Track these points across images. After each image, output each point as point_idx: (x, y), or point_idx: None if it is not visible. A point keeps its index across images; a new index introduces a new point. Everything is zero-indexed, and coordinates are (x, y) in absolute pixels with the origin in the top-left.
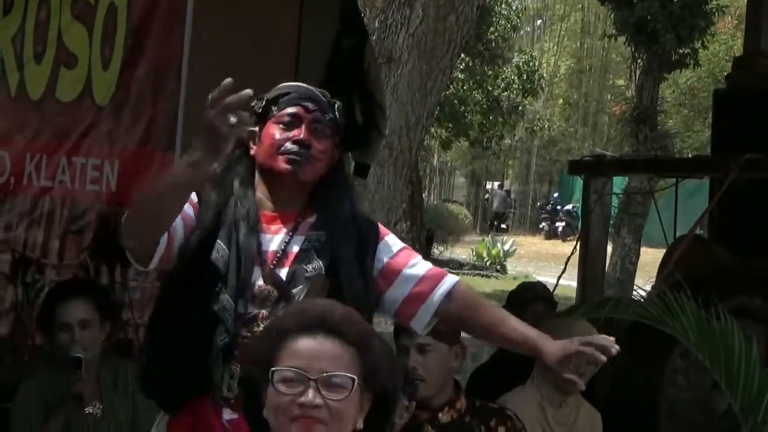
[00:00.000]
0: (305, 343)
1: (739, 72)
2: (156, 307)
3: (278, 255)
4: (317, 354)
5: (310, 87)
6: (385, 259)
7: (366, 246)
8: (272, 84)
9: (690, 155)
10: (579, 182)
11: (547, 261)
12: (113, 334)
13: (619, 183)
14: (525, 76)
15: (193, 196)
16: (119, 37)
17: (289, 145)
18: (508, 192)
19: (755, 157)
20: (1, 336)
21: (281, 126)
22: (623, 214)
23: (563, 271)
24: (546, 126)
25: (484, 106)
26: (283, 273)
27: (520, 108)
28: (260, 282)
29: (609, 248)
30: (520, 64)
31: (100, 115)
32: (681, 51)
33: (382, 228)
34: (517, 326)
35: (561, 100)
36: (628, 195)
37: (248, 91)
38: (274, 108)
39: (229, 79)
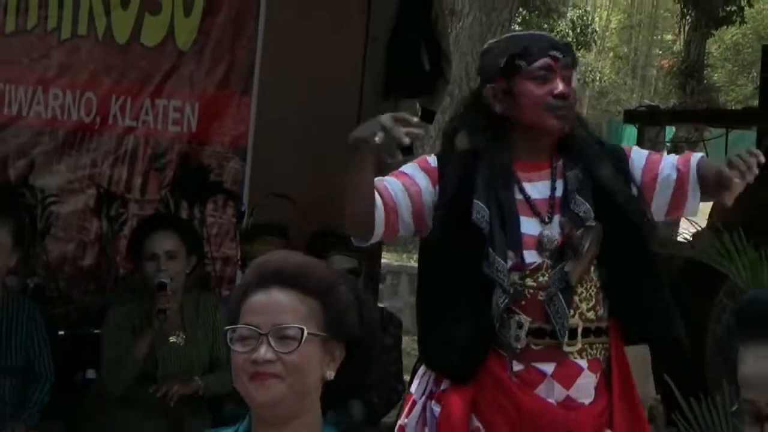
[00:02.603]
0: (259, 298)
1: None
2: (422, 280)
3: (549, 201)
4: (270, 308)
5: (544, 33)
6: (640, 173)
7: (620, 167)
8: (350, 42)
9: (734, 108)
10: (628, 131)
11: None
12: (197, 268)
13: (668, 133)
14: (578, 30)
15: (432, 160)
16: None
17: (552, 101)
18: None
19: None
20: (87, 266)
21: (536, 81)
22: None
23: None
24: (597, 77)
25: None
26: (556, 218)
27: None
28: (539, 230)
29: None
30: (574, 18)
31: (181, 59)
32: (728, 8)
33: (625, 147)
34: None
35: (612, 53)
36: (677, 144)
37: (420, 131)
38: (521, 63)
39: (417, 121)
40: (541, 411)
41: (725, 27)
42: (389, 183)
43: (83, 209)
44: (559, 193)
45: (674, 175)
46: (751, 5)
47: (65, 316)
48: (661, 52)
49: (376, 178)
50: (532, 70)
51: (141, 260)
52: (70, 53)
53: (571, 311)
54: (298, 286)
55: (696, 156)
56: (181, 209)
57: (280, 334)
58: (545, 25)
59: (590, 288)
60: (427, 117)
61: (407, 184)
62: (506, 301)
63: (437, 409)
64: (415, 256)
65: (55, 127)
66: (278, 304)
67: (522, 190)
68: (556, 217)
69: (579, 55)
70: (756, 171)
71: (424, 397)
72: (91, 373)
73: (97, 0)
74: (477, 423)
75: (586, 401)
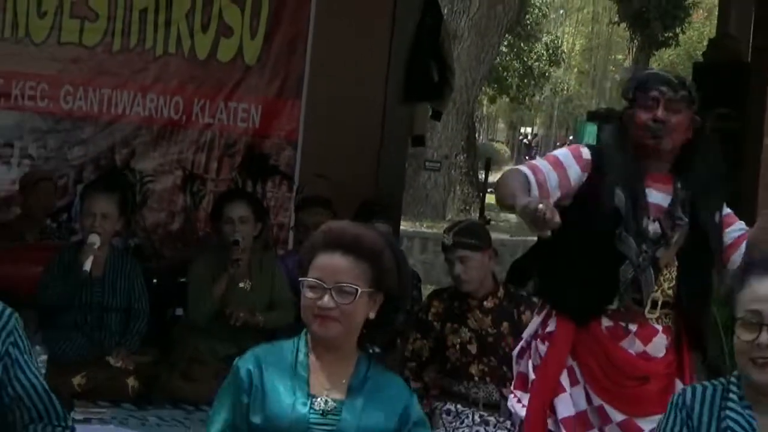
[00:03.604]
0: (325, 259)
1: (712, 49)
2: (559, 241)
3: (662, 209)
4: (333, 268)
5: (665, 72)
6: (724, 213)
7: (722, 203)
8: (376, 57)
9: None
10: (589, 128)
11: None
12: (262, 233)
13: None
14: (551, 51)
15: (585, 151)
16: (263, 14)
17: (651, 123)
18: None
19: (724, 112)
20: (175, 230)
21: (644, 108)
22: None
23: None
24: (565, 88)
25: (521, 72)
26: (664, 220)
27: (546, 74)
28: (654, 228)
29: None
30: (548, 41)
31: (248, 72)
32: (666, 35)
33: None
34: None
35: (576, 69)
36: None
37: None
38: (640, 94)
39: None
40: (623, 359)
41: (664, 49)
42: (545, 171)
43: (172, 186)
44: (666, 203)
45: (733, 238)
46: (683, 32)
47: (158, 268)
48: (614, 68)
49: (537, 168)
50: (643, 99)
51: (220, 223)
52: (163, 67)
53: (656, 287)
54: (354, 251)
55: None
56: (247, 186)
57: (340, 289)
58: (525, 48)
59: (672, 272)
60: (436, 116)
61: (560, 173)
62: (634, 273)
63: (543, 347)
64: (426, 223)
65: (150, 123)
66: (339, 266)
67: (644, 194)
68: (659, 219)
69: (551, 70)
70: None
71: (530, 337)
72: (178, 311)
73: (183, 25)
74: (572, 362)
75: (659, 355)
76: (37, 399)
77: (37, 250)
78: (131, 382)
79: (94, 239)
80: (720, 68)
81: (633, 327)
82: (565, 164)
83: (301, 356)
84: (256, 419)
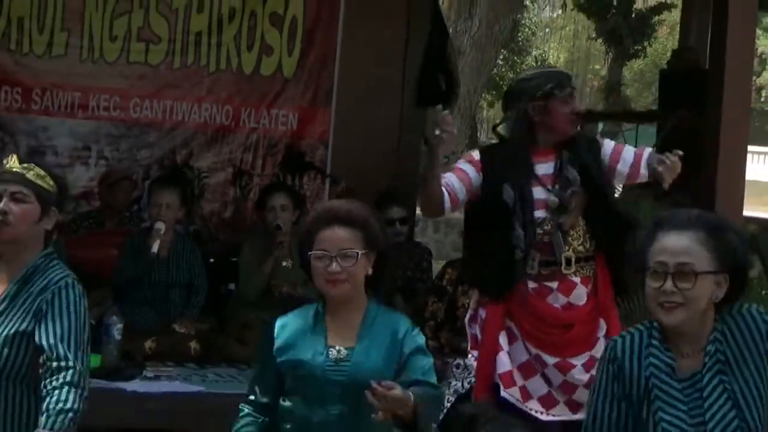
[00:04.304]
0: (327, 233)
1: (675, 59)
2: (468, 231)
3: (552, 176)
4: (335, 239)
5: (562, 71)
6: (608, 158)
7: (596, 153)
8: (394, 69)
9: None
10: None
11: None
12: (301, 218)
13: (599, 127)
14: (539, 63)
15: (476, 155)
16: (298, 37)
17: (571, 114)
18: None
19: (686, 112)
20: (227, 217)
21: (564, 102)
22: None
23: None
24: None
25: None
26: (555, 185)
27: None
28: (545, 196)
29: None
30: (536, 55)
31: (286, 84)
32: (636, 48)
33: (603, 140)
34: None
35: None
36: (605, 133)
37: (448, 119)
38: (557, 91)
39: (447, 116)
40: (549, 313)
41: (634, 60)
42: (450, 180)
43: (224, 181)
44: (556, 170)
45: (630, 161)
46: (650, 45)
47: (213, 249)
48: (592, 76)
49: (443, 178)
50: (563, 97)
51: (264, 212)
52: (215, 81)
53: (566, 247)
54: (349, 223)
55: (647, 151)
56: (287, 180)
57: (344, 255)
58: (518, 60)
59: (579, 231)
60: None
61: (461, 177)
62: (522, 255)
63: (483, 313)
64: None
65: (205, 128)
66: (340, 236)
67: (533, 170)
68: (557, 187)
69: None
70: (678, 170)
71: (475, 305)
72: (231, 286)
73: (231, 46)
74: (509, 323)
75: (581, 303)
76: (55, 346)
77: (114, 236)
78: (193, 345)
79: (160, 226)
80: (682, 75)
81: (554, 284)
82: (465, 170)
83: (320, 316)
84: (284, 368)
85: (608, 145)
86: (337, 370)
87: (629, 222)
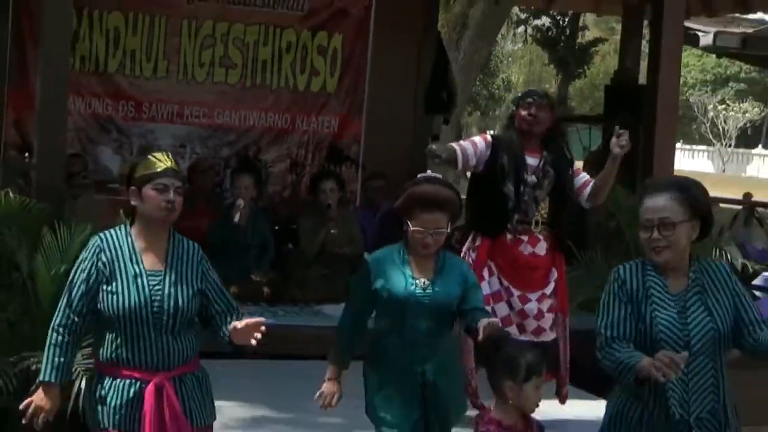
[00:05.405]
0: (427, 216)
1: (618, 75)
2: (473, 190)
3: (534, 167)
4: (434, 220)
5: (538, 91)
6: (574, 168)
7: (570, 165)
8: (409, 86)
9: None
10: None
11: None
12: (343, 196)
13: None
14: (505, 83)
15: (488, 136)
16: (338, 62)
17: (527, 117)
18: None
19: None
20: (286, 196)
21: (525, 108)
22: None
23: None
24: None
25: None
26: (537, 173)
27: (502, 98)
28: (531, 177)
29: None
30: (503, 77)
31: (329, 98)
32: (578, 71)
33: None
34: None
35: None
36: None
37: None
38: (520, 101)
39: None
40: (520, 257)
41: (576, 80)
42: (465, 146)
43: (284, 170)
44: (539, 164)
45: (580, 183)
46: (589, 69)
47: (278, 219)
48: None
49: (462, 145)
50: (524, 105)
51: (317, 193)
52: (277, 96)
53: (536, 213)
54: (443, 208)
55: (590, 185)
56: (330, 168)
57: (437, 232)
58: (490, 81)
59: (545, 205)
60: (446, 122)
61: (474, 147)
62: (511, 206)
63: (473, 255)
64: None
65: (270, 131)
66: (437, 218)
67: (524, 160)
68: (539, 173)
69: (505, 95)
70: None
71: (467, 250)
72: (290, 246)
73: (288, 70)
74: (490, 263)
75: (542, 254)
76: (222, 295)
77: (202, 212)
78: (265, 290)
79: (240, 202)
80: (623, 89)
81: (525, 237)
82: (477, 143)
83: (404, 256)
84: (383, 294)
85: (576, 163)
86: (423, 296)
87: (575, 207)
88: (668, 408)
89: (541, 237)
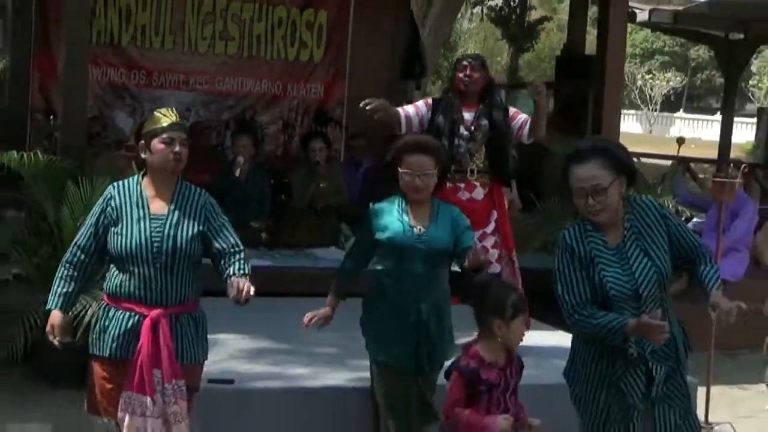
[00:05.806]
0: (413, 158)
1: (567, 47)
2: None
3: (470, 122)
4: (419, 163)
5: (472, 54)
6: (509, 117)
7: (505, 114)
8: (386, 56)
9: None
10: None
11: None
12: (329, 153)
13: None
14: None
15: (429, 99)
16: (323, 37)
17: (463, 77)
18: None
19: (577, 84)
20: (279, 154)
21: (461, 71)
22: None
23: None
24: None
25: (447, 68)
26: (470, 128)
27: None
28: (464, 131)
29: None
30: (462, 51)
31: (316, 67)
32: (527, 45)
33: (510, 108)
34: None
35: None
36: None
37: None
38: (457, 64)
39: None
40: (458, 202)
41: (525, 53)
42: (408, 111)
43: (276, 131)
44: (473, 117)
45: (517, 126)
46: (536, 43)
47: (272, 173)
48: (499, 67)
49: (406, 109)
50: (460, 68)
51: (307, 151)
52: (270, 65)
53: (472, 163)
54: (429, 151)
55: (527, 124)
56: (318, 129)
57: (424, 173)
58: (450, 54)
59: (481, 154)
60: (417, 87)
61: (416, 111)
62: (452, 155)
63: None
64: None
65: (264, 96)
66: (423, 161)
67: (461, 114)
68: (472, 127)
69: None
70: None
71: None
72: (284, 198)
73: (280, 43)
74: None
75: (480, 198)
76: (225, 237)
77: (204, 169)
78: (263, 234)
79: (240, 159)
80: (573, 59)
81: (462, 185)
82: (419, 107)
83: (402, 206)
84: (382, 237)
85: (512, 110)
86: (419, 242)
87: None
88: (626, 349)
89: (477, 184)
